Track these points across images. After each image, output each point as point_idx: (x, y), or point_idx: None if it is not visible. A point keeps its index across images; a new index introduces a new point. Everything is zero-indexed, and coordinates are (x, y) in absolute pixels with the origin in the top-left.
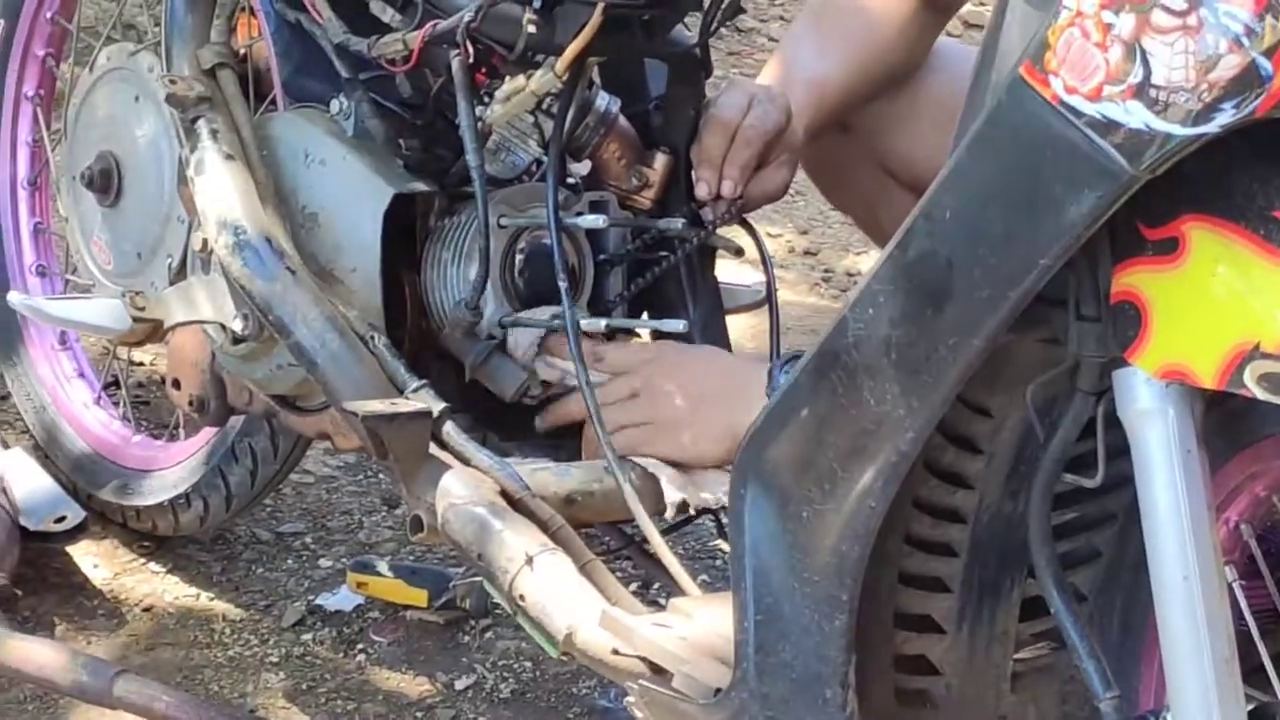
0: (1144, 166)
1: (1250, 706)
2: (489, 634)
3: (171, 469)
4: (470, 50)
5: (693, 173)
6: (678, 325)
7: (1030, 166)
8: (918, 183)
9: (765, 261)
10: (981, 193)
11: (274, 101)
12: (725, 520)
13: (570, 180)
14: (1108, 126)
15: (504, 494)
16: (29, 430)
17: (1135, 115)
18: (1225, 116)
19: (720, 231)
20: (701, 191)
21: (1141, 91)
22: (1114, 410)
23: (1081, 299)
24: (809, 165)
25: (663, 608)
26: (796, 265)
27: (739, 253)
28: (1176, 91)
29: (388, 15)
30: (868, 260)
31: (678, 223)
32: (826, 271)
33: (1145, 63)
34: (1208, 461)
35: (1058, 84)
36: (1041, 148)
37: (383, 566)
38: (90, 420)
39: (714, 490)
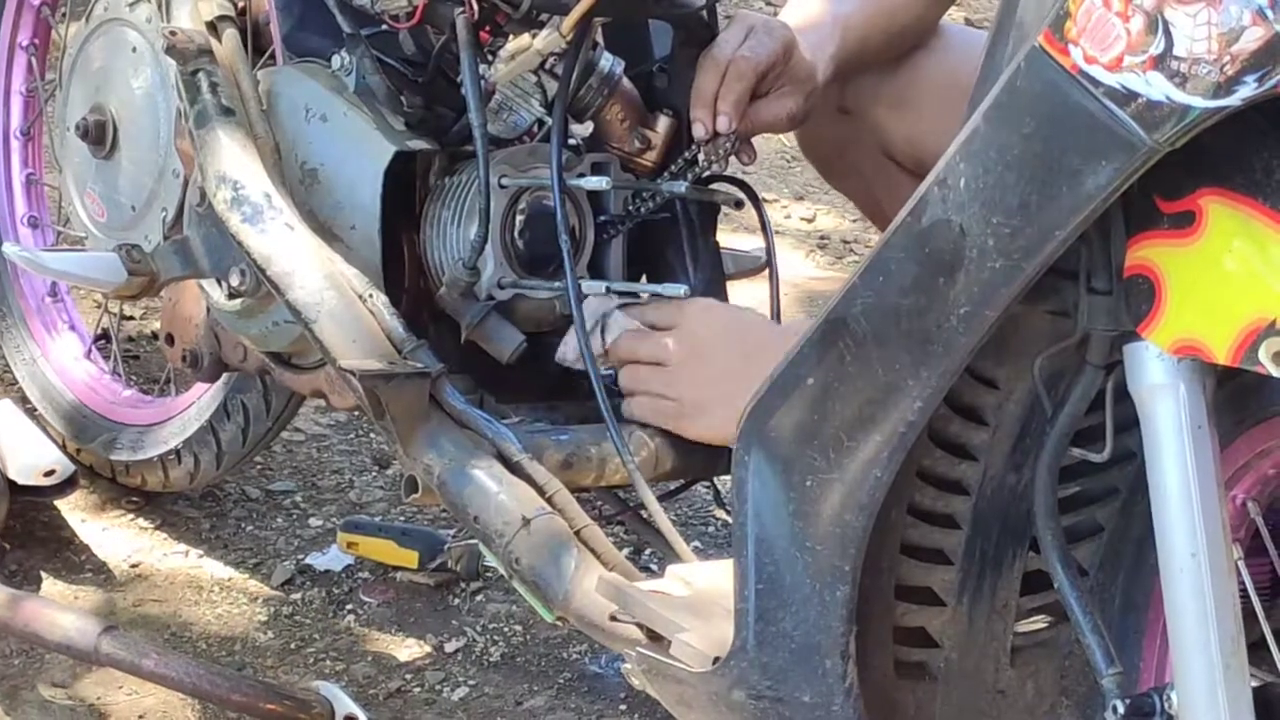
0: (1163, 139)
1: (1254, 684)
2: (479, 597)
3: (162, 424)
4: (475, 7)
5: (690, 115)
6: (679, 289)
7: (1047, 136)
8: (919, 165)
9: (765, 227)
10: (997, 161)
11: (273, 56)
12: (722, 488)
13: (572, 141)
14: (1127, 97)
15: (500, 456)
16: (18, 383)
17: (1155, 87)
18: (1247, 90)
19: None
20: (698, 132)
21: (1162, 63)
22: (1122, 384)
23: (1093, 272)
24: (807, 147)
25: (655, 574)
26: (793, 231)
27: (739, 205)
28: (1198, 63)
29: None
30: (864, 227)
31: (680, 185)
32: (823, 238)
33: (1167, 34)
34: (1217, 438)
35: (1077, 53)
36: (1059, 117)
37: (373, 527)
38: (80, 374)
39: None
